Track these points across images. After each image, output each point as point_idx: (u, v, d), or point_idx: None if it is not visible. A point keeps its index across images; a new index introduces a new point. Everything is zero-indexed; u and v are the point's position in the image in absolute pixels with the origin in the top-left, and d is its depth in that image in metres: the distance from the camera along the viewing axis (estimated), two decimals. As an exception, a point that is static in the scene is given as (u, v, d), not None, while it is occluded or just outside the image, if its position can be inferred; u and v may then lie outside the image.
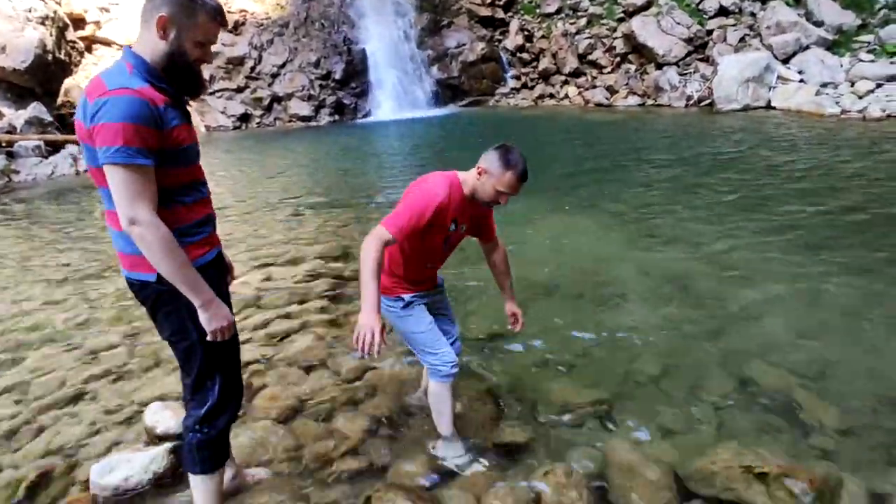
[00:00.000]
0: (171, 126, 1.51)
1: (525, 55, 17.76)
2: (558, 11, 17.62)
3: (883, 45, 11.98)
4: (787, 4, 13.67)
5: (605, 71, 16.39)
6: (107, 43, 14.83)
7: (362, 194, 7.33)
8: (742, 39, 14.04)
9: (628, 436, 2.40)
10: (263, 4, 17.05)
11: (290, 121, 16.50)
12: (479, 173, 2.05)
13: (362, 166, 9.64)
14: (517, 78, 18.00)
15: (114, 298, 4.11)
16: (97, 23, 14.71)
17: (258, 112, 16.44)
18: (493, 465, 2.25)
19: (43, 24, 12.17)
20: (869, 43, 12.33)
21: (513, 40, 17.76)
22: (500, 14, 18.33)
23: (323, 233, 5.57)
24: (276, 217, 6.30)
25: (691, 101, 13.72)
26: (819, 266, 4.05)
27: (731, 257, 4.32)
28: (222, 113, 16.07)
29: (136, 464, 2.19)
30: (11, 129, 10.55)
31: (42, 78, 11.98)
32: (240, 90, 16.42)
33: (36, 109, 10.92)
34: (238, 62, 16.48)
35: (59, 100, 12.50)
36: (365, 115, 17.13)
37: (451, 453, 2.29)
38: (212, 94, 16.18)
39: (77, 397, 2.87)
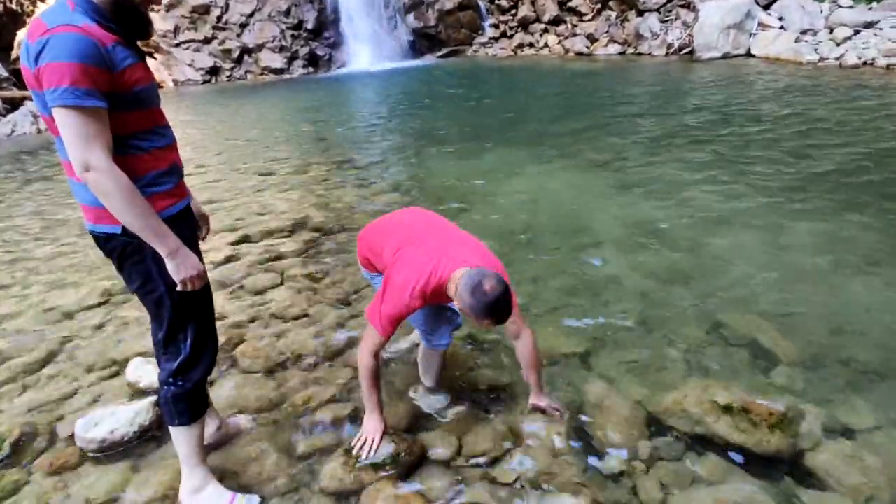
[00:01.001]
0: (123, 66, 1.42)
1: (503, 2, 17.25)
2: (538, -45, 17.06)
3: (862, -11, 11.90)
4: (770, -53, 13.37)
5: (585, 18, 16.04)
6: (61, -10, 13.94)
7: (336, 151, 7.19)
8: (723, -16, 13.78)
9: (604, 376, 2.49)
10: (227, -52, 16.13)
11: (261, 74, 15.94)
12: (458, 307, 1.77)
13: (335, 122, 9.41)
14: (496, 27, 17.53)
15: (85, 254, 4.03)
16: (49, -32, 13.80)
17: (228, 65, 15.81)
18: (474, 408, 2.32)
19: (-11, -31, 11.36)
20: (849, -12, 12.23)
21: (491, -14, 17.26)
22: (478, -42, 17.70)
23: (298, 189, 5.48)
24: (250, 173, 6.17)
25: (672, 50, 13.56)
26: (791, 213, 4.15)
27: (705, 205, 4.38)
28: (190, 66, 15.42)
29: (121, 417, 2.21)
30: (-36, 86, 10.02)
31: (-7, 29, 11.31)
32: (207, 41, 15.73)
33: (-12, 64, 10.37)
34: (203, 10, 15.71)
35: (14, 53, 11.83)
36: (340, 67, 16.61)
37: (432, 399, 2.35)
38: (178, 45, 15.47)
39: (54, 355, 2.85)
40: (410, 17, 16.93)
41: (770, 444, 2.01)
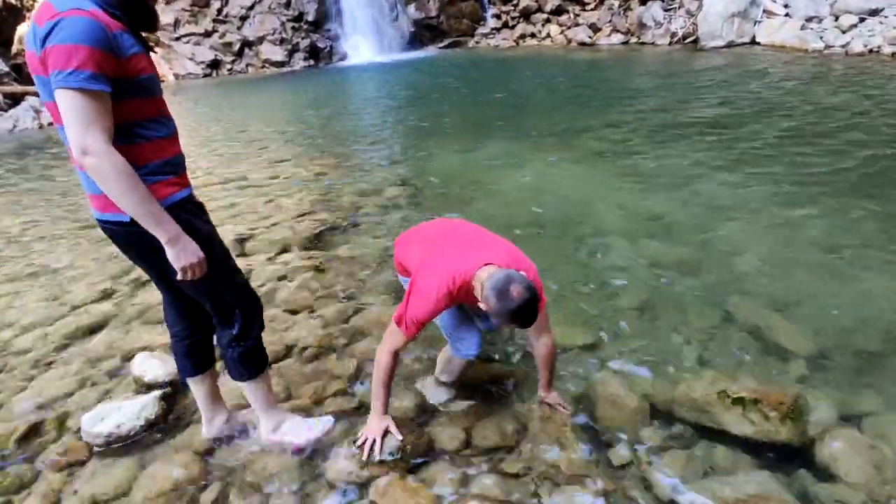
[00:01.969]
0: (129, 53, 1.41)
1: (505, -8, 17.10)
2: (539, -56, 16.88)
3: (868, -24, 11.73)
4: (775, -67, 13.20)
5: (587, 7, 15.91)
6: (60, -16, 13.87)
7: (339, 144, 7.16)
8: (728, -28, 13.62)
9: (612, 368, 2.47)
10: (226, -61, 16.00)
11: (262, 67, 15.85)
12: (484, 308, 1.76)
13: (337, 115, 9.37)
14: (497, 17, 17.39)
15: (91, 249, 4.03)
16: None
17: (228, 58, 15.73)
18: (481, 400, 2.31)
19: (-12, -37, 11.30)
20: (855, -26, 12.06)
21: (492, -24, 17.11)
22: (479, -52, 17.54)
23: (303, 181, 5.46)
24: (252, 168, 6.14)
25: (675, 38, 13.44)
26: (797, 201, 4.11)
27: (712, 195, 4.35)
28: (190, 59, 15.35)
29: (127, 411, 2.20)
30: (-36, 82, 10.00)
31: (-8, 24, 11.26)
32: (208, 34, 15.64)
33: (-11, 59, 10.33)
34: (203, 3, 15.62)
35: (14, 48, 11.78)
36: (341, 59, 16.51)
37: (439, 392, 2.34)
38: (178, 39, 15.40)
39: (60, 349, 2.85)
40: (412, 8, 16.81)
41: (780, 434, 2.00)
